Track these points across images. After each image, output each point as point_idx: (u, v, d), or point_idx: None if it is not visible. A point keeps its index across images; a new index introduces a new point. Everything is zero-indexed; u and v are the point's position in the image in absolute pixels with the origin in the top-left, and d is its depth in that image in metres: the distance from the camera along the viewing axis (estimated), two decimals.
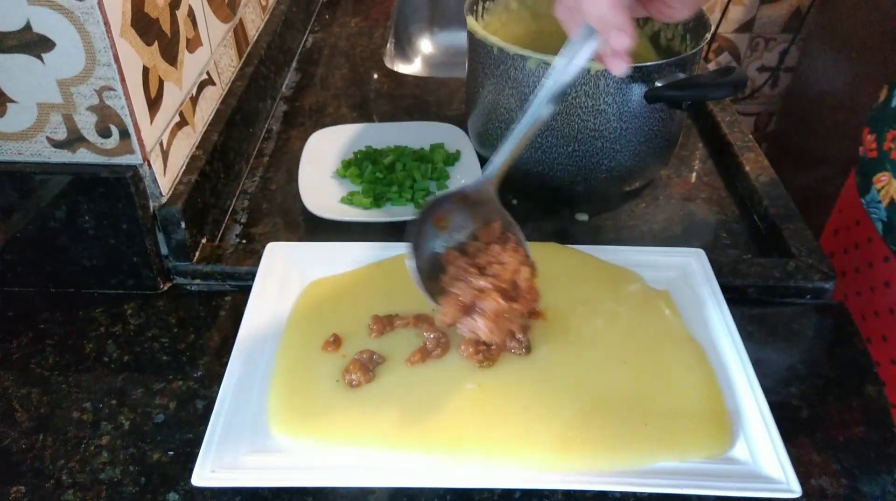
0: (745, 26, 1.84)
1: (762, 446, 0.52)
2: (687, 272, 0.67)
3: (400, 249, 0.68)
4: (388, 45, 1.24)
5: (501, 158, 0.56)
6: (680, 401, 0.55)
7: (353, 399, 0.55)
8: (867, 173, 0.77)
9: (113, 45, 0.56)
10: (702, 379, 0.57)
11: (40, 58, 0.56)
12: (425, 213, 0.57)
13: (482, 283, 0.54)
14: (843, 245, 0.82)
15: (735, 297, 0.67)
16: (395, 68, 1.26)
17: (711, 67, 1.87)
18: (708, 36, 0.74)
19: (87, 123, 0.60)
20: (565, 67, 0.52)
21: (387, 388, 0.56)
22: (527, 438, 0.52)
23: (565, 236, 0.77)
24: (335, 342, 0.59)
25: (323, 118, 0.98)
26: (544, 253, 0.68)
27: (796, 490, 0.49)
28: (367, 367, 0.57)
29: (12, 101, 0.58)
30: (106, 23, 0.55)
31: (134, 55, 0.60)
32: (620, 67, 0.51)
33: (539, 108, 0.54)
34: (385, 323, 0.61)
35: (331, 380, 0.57)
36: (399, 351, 0.59)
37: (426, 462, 0.51)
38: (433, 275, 0.56)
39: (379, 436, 0.52)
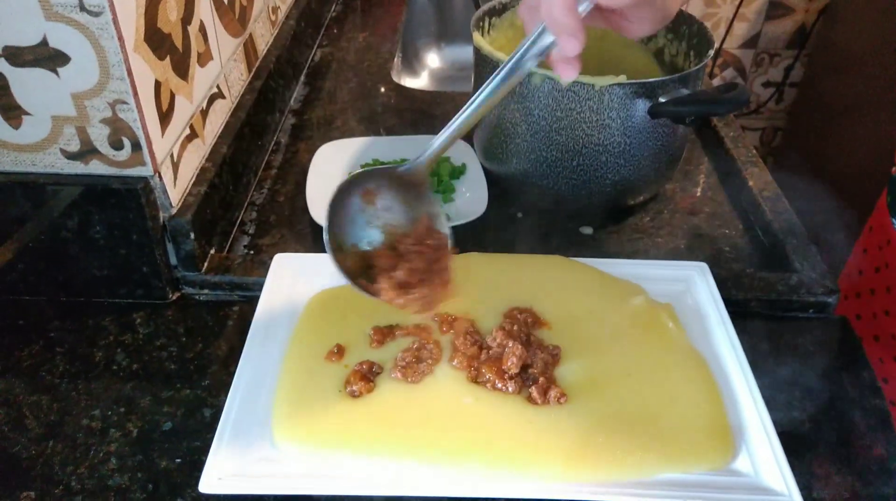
0: (750, 42, 1.85)
1: (765, 458, 0.52)
2: (690, 286, 0.68)
3: None
4: (396, 59, 1.25)
5: (437, 144, 0.55)
6: (683, 413, 0.55)
7: (354, 409, 0.56)
8: None
9: (126, 60, 0.57)
10: (705, 392, 0.57)
11: (55, 72, 0.57)
12: (352, 183, 0.56)
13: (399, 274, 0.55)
14: (873, 264, 0.82)
15: (738, 311, 0.67)
16: (403, 82, 1.28)
17: (717, 82, 1.89)
18: (712, 52, 0.75)
19: (99, 136, 0.61)
20: (515, 64, 0.51)
21: (387, 398, 0.57)
22: (530, 449, 0.53)
23: (570, 249, 0.77)
24: (338, 352, 0.60)
25: (330, 131, 0.99)
26: (549, 266, 0.69)
27: None
28: (368, 377, 0.58)
29: (27, 113, 0.60)
30: (120, 38, 0.56)
31: (147, 69, 0.61)
32: (569, 73, 0.51)
33: (481, 102, 0.52)
34: (385, 333, 0.62)
35: (333, 390, 0.57)
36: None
37: (429, 472, 0.52)
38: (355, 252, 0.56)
39: (379, 446, 0.53)
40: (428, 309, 0.56)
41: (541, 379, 0.57)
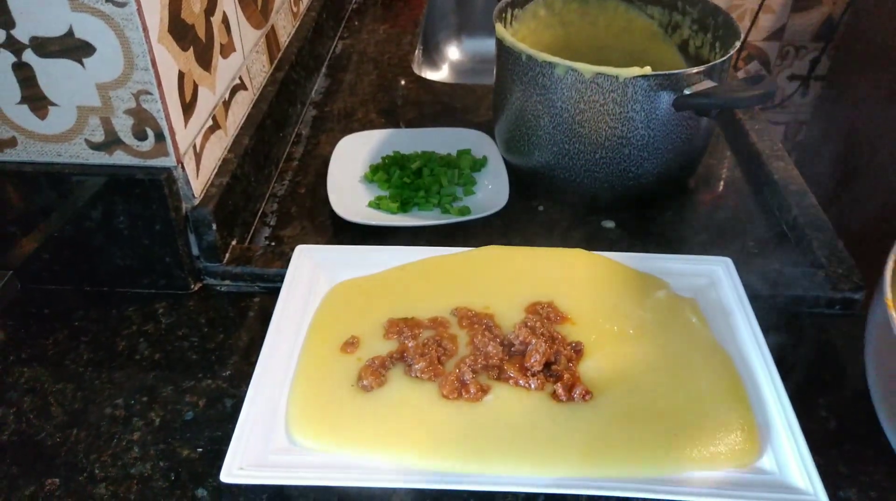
0: (776, 34, 1.82)
1: (789, 457, 0.52)
2: (714, 281, 0.67)
3: (426, 253, 0.69)
4: (416, 51, 1.25)
5: None
6: (709, 411, 0.54)
7: (365, 405, 0.55)
8: None
9: (151, 51, 0.57)
10: (731, 390, 0.56)
11: (81, 62, 0.57)
12: None
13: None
14: None
15: (763, 306, 0.66)
16: (423, 75, 1.27)
17: (741, 75, 1.86)
18: (738, 44, 0.74)
19: (124, 126, 0.61)
20: None
21: (400, 392, 0.56)
22: (554, 445, 0.52)
23: (592, 242, 0.76)
24: (353, 343, 0.60)
25: (351, 123, 0.99)
26: (571, 259, 0.68)
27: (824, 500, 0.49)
28: (379, 372, 0.57)
29: (53, 104, 0.60)
30: (144, 29, 0.56)
31: (170, 60, 0.61)
32: None
33: None
34: (401, 326, 0.61)
35: (346, 385, 0.57)
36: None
37: (445, 467, 0.51)
38: None
39: (389, 441, 0.52)
40: None
41: (565, 376, 0.56)
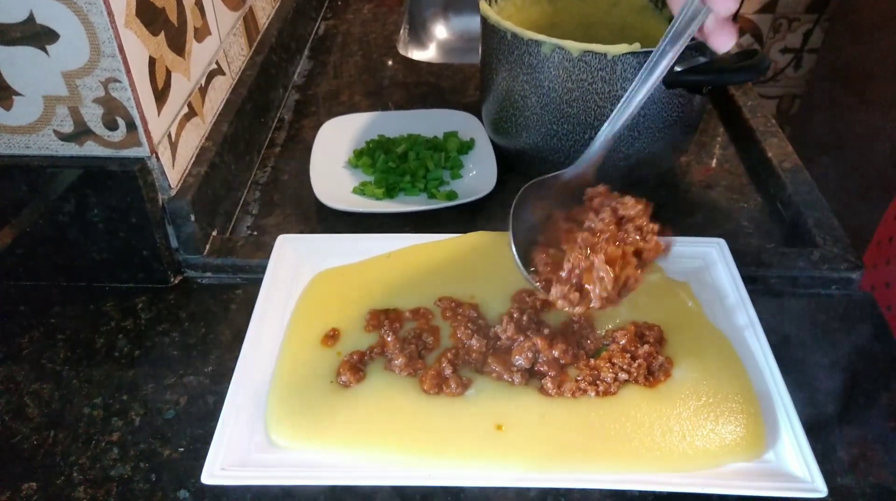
0: (768, 7, 1.79)
1: (787, 444, 0.50)
2: (708, 263, 0.65)
3: (411, 240, 0.67)
4: (402, 30, 1.22)
5: (601, 139, 0.56)
6: (712, 404, 0.53)
7: (344, 401, 0.53)
8: None
9: (117, 36, 0.55)
10: (733, 379, 0.54)
11: (44, 50, 0.55)
12: (522, 198, 0.56)
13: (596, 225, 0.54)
14: None
15: (758, 288, 0.65)
16: (410, 54, 1.25)
17: (732, 49, 1.83)
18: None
19: (93, 116, 0.59)
20: (666, 49, 0.51)
21: (380, 388, 0.54)
22: (543, 442, 0.50)
23: None
24: (334, 336, 0.58)
25: (336, 107, 0.96)
26: None
27: (822, 489, 0.48)
28: (357, 368, 0.56)
29: (18, 94, 0.58)
30: (109, 13, 0.54)
31: (140, 46, 0.58)
32: (725, 41, 0.49)
33: (640, 88, 0.53)
34: (382, 318, 0.60)
35: (325, 380, 0.55)
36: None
37: (424, 463, 0.50)
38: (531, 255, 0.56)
39: (369, 439, 0.51)
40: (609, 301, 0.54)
41: (552, 373, 0.54)
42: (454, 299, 0.61)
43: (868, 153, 1.49)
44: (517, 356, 0.55)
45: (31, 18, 0.53)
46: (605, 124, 0.55)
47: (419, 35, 1.41)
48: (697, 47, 0.68)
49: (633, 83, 0.54)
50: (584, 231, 0.55)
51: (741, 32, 1.84)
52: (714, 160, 0.85)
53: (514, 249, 0.55)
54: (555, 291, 0.53)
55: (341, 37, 1.15)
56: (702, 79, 0.68)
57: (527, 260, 0.56)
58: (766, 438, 0.51)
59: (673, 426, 0.51)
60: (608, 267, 0.52)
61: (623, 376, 0.54)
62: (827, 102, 1.80)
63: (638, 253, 0.54)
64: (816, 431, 0.53)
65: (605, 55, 0.67)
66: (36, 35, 0.54)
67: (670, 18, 0.83)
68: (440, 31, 1.46)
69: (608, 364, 0.54)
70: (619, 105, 0.55)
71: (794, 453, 0.49)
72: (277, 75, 0.94)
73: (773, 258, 0.68)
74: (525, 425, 0.51)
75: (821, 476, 0.48)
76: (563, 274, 0.53)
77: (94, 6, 0.53)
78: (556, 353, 0.55)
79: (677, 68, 0.68)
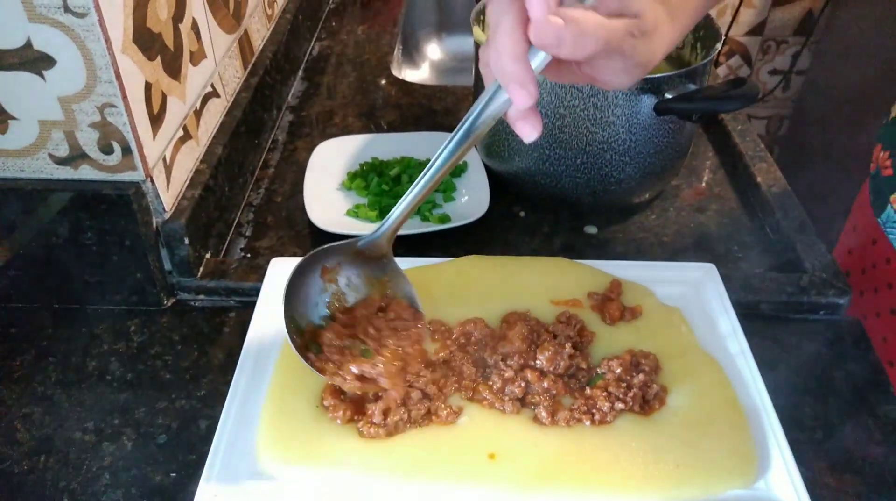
0: (757, 29, 1.82)
1: (776, 470, 0.51)
2: (698, 288, 0.66)
3: (404, 263, 0.67)
4: (396, 51, 1.23)
5: (398, 213, 0.54)
6: (707, 433, 0.53)
7: (331, 428, 0.53)
8: (883, 192, 0.75)
9: (114, 62, 0.55)
10: (727, 406, 0.55)
11: (41, 75, 0.55)
12: (309, 262, 0.56)
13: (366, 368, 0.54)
14: (859, 265, 0.79)
15: (747, 313, 0.66)
16: (403, 75, 1.26)
17: (722, 70, 1.86)
18: (719, 46, 0.73)
19: (88, 140, 0.59)
20: (470, 126, 0.47)
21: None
22: (537, 472, 0.50)
23: (574, 249, 0.75)
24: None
25: (329, 128, 0.97)
26: (553, 269, 0.67)
27: None
28: (341, 392, 0.55)
29: (13, 118, 0.58)
30: (107, 39, 0.54)
31: (136, 71, 0.59)
32: (527, 132, 0.45)
33: (438, 167, 0.50)
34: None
35: (312, 405, 0.55)
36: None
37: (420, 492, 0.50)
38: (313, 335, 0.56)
39: (358, 468, 0.51)
40: (394, 380, 0.54)
41: (546, 403, 0.54)
42: (444, 323, 0.61)
43: (854, 173, 1.51)
44: (508, 387, 0.55)
45: (28, 44, 0.54)
46: (405, 197, 0.53)
47: (412, 55, 1.43)
48: (688, 75, 0.70)
49: (436, 156, 0.50)
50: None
51: (730, 54, 1.86)
52: (704, 184, 0.86)
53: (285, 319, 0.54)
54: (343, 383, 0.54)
55: (335, 58, 1.16)
56: (692, 107, 0.69)
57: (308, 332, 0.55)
58: (758, 467, 0.51)
59: (667, 456, 0.51)
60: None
61: (619, 405, 0.54)
62: (815, 123, 1.82)
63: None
64: (805, 456, 0.53)
65: None
66: (33, 61, 0.54)
67: None
68: (433, 51, 1.48)
69: (604, 393, 0.55)
70: (420, 179, 0.52)
71: (785, 481, 0.50)
72: (272, 97, 0.95)
73: (763, 284, 0.68)
74: (519, 454, 0.51)
75: None
76: (356, 371, 0.54)
77: (92, 33, 0.53)
78: (545, 384, 0.55)
79: (667, 95, 0.69)
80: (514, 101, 0.43)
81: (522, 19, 0.42)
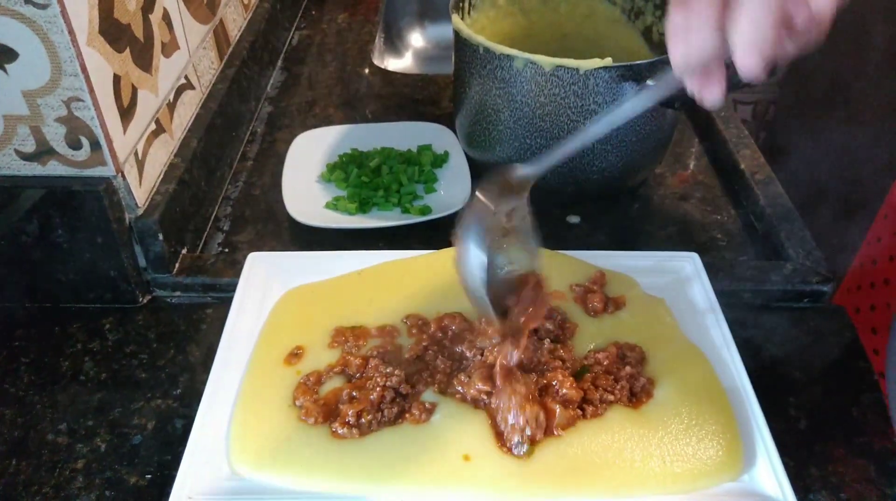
0: None
1: (759, 462, 0.50)
2: (682, 278, 0.65)
3: (384, 257, 0.66)
4: (378, 40, 1.21)
5: (565, 152, 0.53)
6: (693, 427, 0.52)
7: (302, 428, 0.52)
8: None
9: (79, 55, 0.54)
10: (713, 399, 0.54)
11: (3, 69, 0.54)
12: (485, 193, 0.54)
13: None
14: (888, 253, 0.77)
15: (731, 301, 0.65)
16: (385, 63, 1.24)
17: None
18: None
19: (56, 135, 0.58)
20: (645, 94, 0.50)
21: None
22: (516, 471, 0.49)
23: (557, 239, 0.74)
24: (297, 354, 0.57)
25: (309, 119, 0.95)
26: None
27: None
28: (314, 390, 0.54)
29: None
30: (70, 31, 0.52)
31: (103, 64, 0.57)
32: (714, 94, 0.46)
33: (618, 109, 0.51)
34: (346, 336, 0.59)
35: (283, 404, 0.53)
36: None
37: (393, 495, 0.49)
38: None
39: (329, 470, 0.49)
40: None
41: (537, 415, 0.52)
42: (421, 316, 0.60)
43: (842, 160, 1.51)
44: (478, 383, 0.53)
45: None
46: (574, 139, 0.52)
47: (394, 44, 1.41)
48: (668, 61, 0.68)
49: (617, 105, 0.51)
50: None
51: None
52: (688, 172, 0.85)
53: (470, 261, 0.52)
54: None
55: (315, 47, 1.14)
56: (673, 94, 0.67)
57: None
58: (744, 460, 0.50)
59: (654, 450, 0.50)
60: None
61: (609, 397, 0.53)
62: (802, 108, 1.82)
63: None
64: (788, 446, 0.53)
65: (577, 70, 0.67)
66: None
67: (643, 30, 0.84)
68: (416, 39, 1.46)
69: (592, 387, 0.54)
70: (595, 122, 0.52)
71: (768, 473, 0.49)
72: (249, 88, 0.93)
73: (747, 272, 0.68)
74: (494, 454, 0.50)
75: (793, 494, 0.48)
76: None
77: (55, 24, 0.52)
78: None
79: (649, 83, 0.68)
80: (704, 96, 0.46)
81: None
